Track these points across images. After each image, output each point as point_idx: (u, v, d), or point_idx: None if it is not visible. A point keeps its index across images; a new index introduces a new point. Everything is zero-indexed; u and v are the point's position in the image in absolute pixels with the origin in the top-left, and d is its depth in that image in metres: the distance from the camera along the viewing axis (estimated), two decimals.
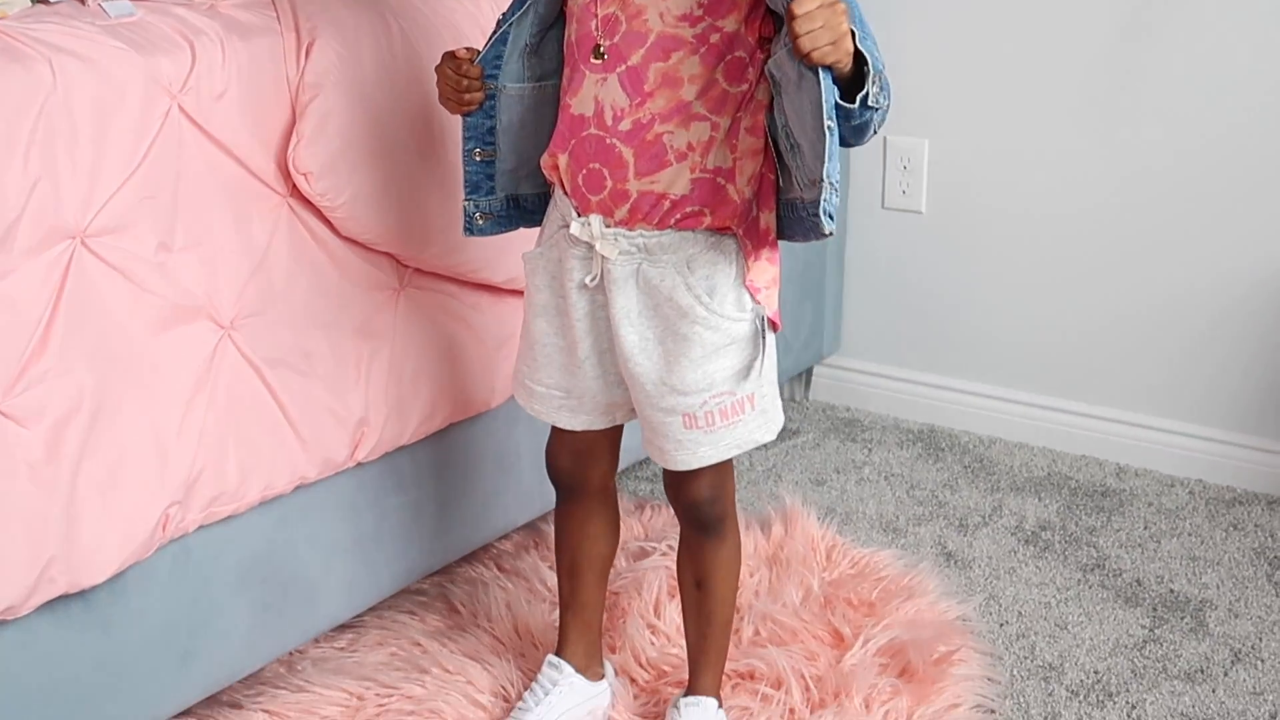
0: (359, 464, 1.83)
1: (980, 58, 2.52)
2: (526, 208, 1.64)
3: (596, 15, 1.45)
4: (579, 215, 1.51)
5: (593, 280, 1.52)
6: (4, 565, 1.42)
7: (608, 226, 1.49)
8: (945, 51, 2.54)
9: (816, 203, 1.36)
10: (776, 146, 1.46)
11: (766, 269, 1.52)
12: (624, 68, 1.44)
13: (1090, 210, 2.49)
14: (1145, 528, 2.34)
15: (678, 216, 1.47)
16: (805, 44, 1.26)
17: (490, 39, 1.55)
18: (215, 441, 1.62)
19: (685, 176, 1.46)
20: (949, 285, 2.69)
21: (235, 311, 1.65)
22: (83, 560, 1.48)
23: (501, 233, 1.66)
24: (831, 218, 1.37)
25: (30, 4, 1.58)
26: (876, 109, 1.34)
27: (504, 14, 1.55)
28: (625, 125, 1.45)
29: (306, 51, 1.71)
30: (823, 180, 1.34)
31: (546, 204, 1.62)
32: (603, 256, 1.49)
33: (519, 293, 1.97)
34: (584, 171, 1.49)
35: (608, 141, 1.46)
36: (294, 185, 1.71)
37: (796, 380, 2.92)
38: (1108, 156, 2.44)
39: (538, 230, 1.63)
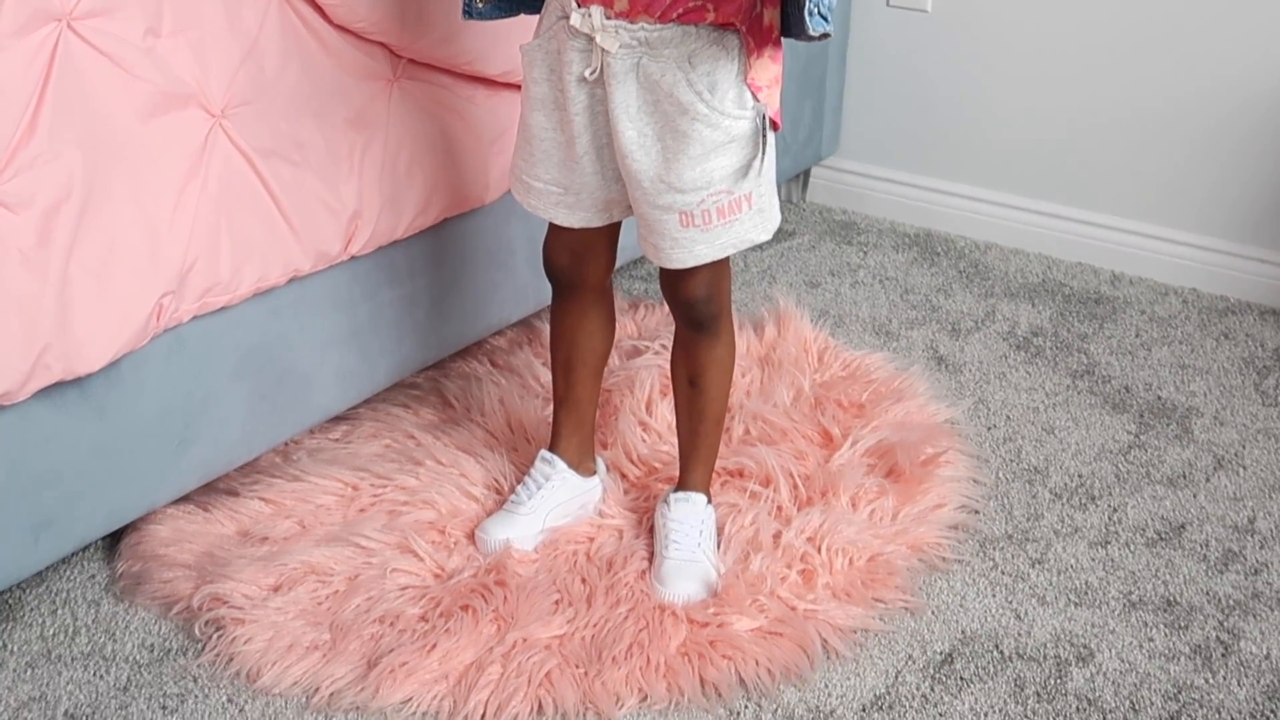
0: (353, 257, 1.82)
1: None
2: None
3: None
4: (579, 6, 1.47)
5: (592, 74, 1.49)
6: None
7: (608, 19, 1.45)
8: None
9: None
10: None
11: (769, 67, 1.49)
12: None
13: (1095, 13, 2.44)
14: (1136, 335, 2.35)
15: (680, 10, 1.44)
16: None
17: None
18: (208, 231, 1.61)
19: None
20: (951, 87, 2.65)
21: (226, 100, 1.62)
22: (78, 347, 1.48)
23: (500, 18, 1.62)
24: (825, 19, 1.35)
25: None
26: None
27: None
28: None
29: None
30: None
31: None
32: (603, 49, 1.46)
33: (515, 86, 1.94)
34: None
35: None
36: None
37: (794, 181, 2.90)
38: None
39: (535, 20, 1.59)
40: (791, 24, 1.47)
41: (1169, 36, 2.38)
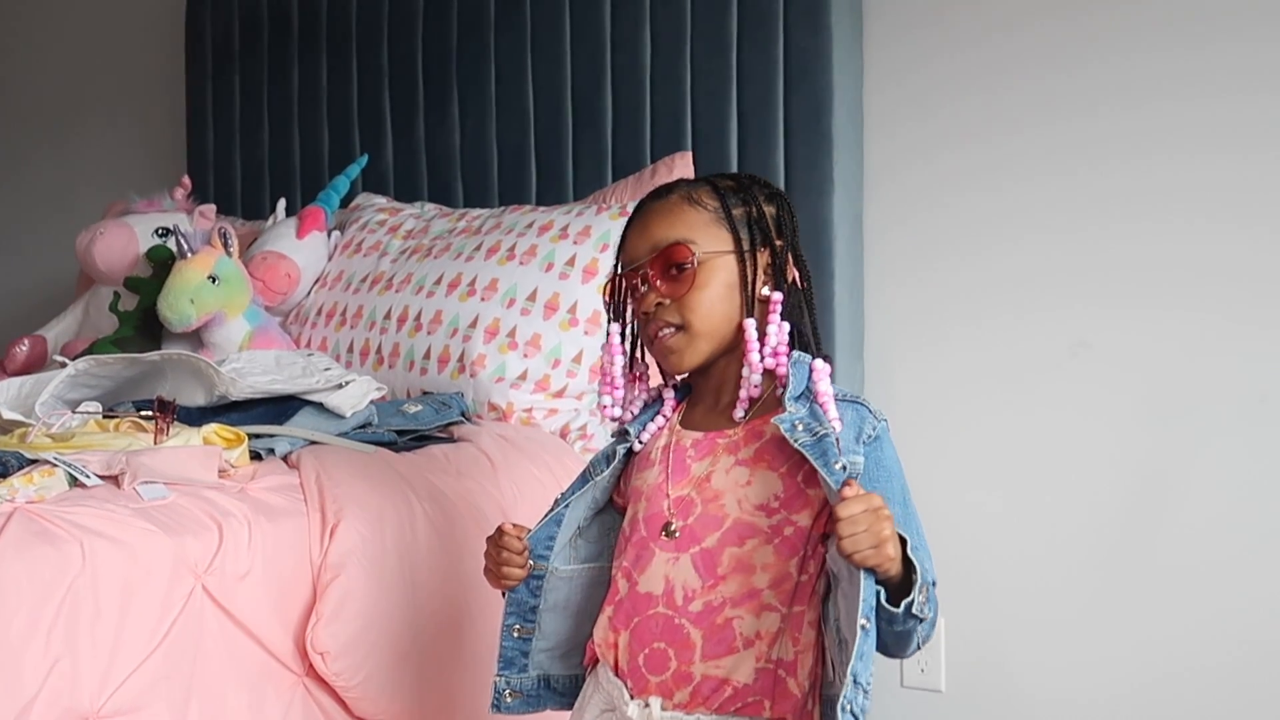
0: None
1: (995, 533, 2.55)
2: (557, 689, 1.59)
3: (669, 495, 1.46)
4: (633, 697, 1.45)
5: None
6: None
7: (663, 709, 1.43)
8: (960, 526, 2.58)
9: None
10: (824, 640, 1.44)
11: None
12: (698, 549, 1.43)
13: (1113, 693, 2.45)
14: None
15: (738, 705, 1.42)
16: (847, 546, 1.29)
17: (544, 518, 1.54)
18: None
19: (750, 665, 1.42)
20: None
21: None
22: None
23: (528, 713, 1.59)
24: (856, 718, 1.34)
25: (68, 488, 1.63)
26: (921, 619, 1.36)
27: (561, 494, 1.57)
28: (696, 606, 1.43)
29: (331, 533, 1.75)
30: (848, 678, 1.32)
31: (576, 686, 1.57)
32: None
33: None
34: (646, 651, 1.44)
35: (676, 621, 1.43)
36: (310, 664, 1.70)
37: None
38: (1136, 633, 2.42)
39: (567, 715, 1.58)
40: None
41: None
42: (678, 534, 1.44)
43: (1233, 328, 2.28)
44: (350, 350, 2.53)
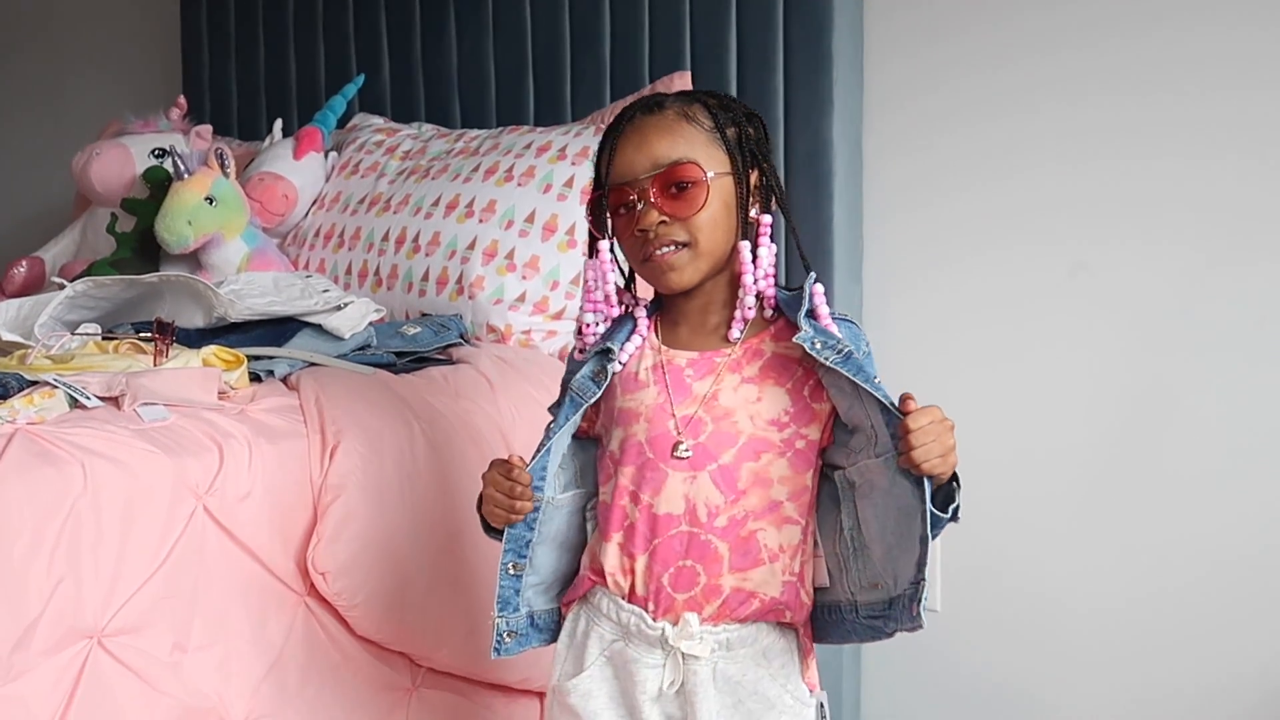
0: None
1: (992, 455, 2.57)
2: (539, 625, 1.57)
3: (674, 415, 1.46)
4: (654, 620, 1.45)
5: (671, 686, 1.45)
6: None
7: (701, 624, 1.45)
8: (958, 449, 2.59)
9: (865, 605, 1.44)
10: (827, 548, 1.49)
11: (814, 668, 1.51)
12: (715, 465, 1.44)
13: (1107, 614, 2.47)
14: None
15: (762, 613, 1.46)
16: (919, 455, 1.33)
17: (541, 449, 1.50)
18: None
19: (778, 579, 1.45)
20: (970, 687, 2.64)
21: (247, 713, 1.63)
22: None
23: (520, 652, 1.56)
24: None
25: (68, 409, 1.64)
26: (956, 521, 1.40)
27: (554, 422, 1.51)
28: (721, 521, 1.44)
29: (331, 454, 1.76)
30: (921, 580, 1.38)
31: (555, 623, 1.56)
32: (690, 658, 1.44)
33: (532, 693, 1.94)
34: (672, 570, 1.45)
35: (703, 538, 1.44)
36: (311, 584, 1.72)
37: None
38: (1124, 554, 2.45)
39: (554, 650, 1.55)
40: (822, 628, 1.50)
41: (1189, 633, 2.41)
42: (690, 453, 1.44)
43: (1231, 255, 2.28)
44: (348, 272, 2.53)
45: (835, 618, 1.49)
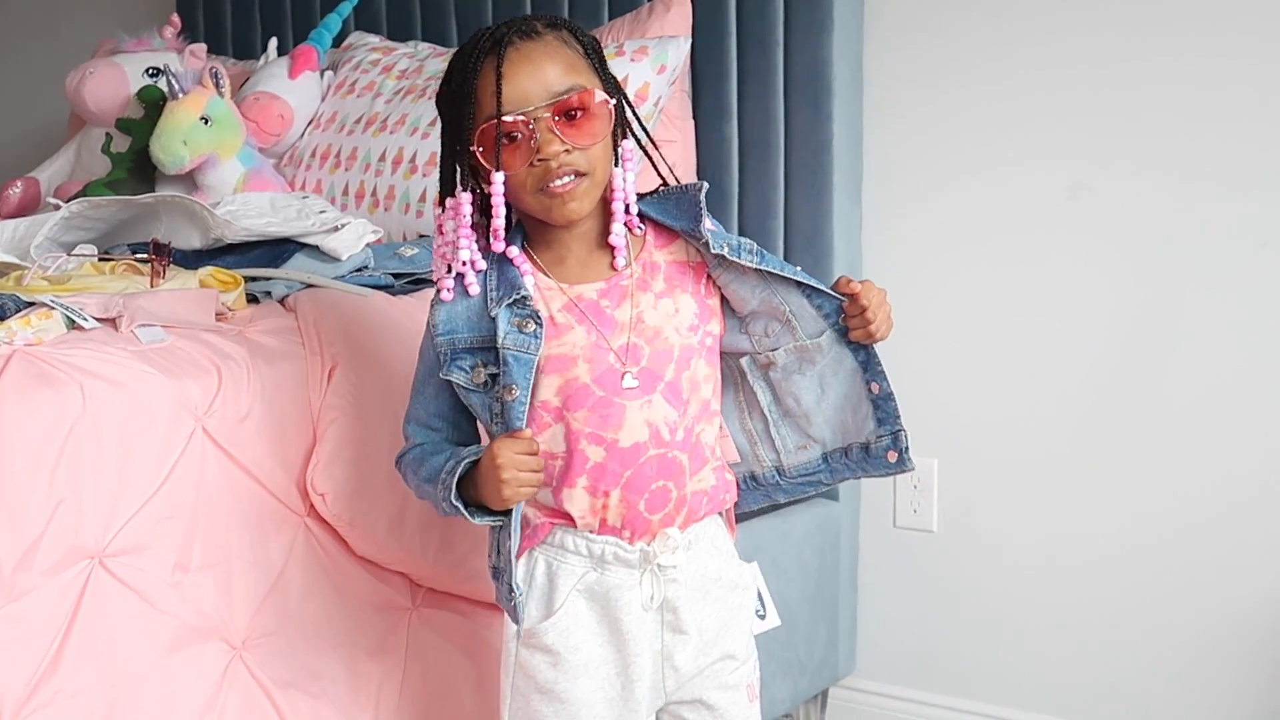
0: None
1: (988, 378, 2.57)
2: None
3: (611, 349, 1.46)
4: (631, 543, 1.47)
5: (653, 601, 1.48)
6: None
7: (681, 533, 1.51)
8: (954, 371, 2.60)
9: (794, 467, 1.59)
10: (733, 427, 1.60)
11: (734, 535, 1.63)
12: (663, 384, 1.47)
13: (1101, 535, 2.49)
14: None
15: (711, 508, 1.53)
16: (876, 328, 1.48)
17: (504, 416, 1.45)
18: None
19: (710, 468, 1.52)
20: (962, 606, 2.66)
21: (248, 631, 1.64)
22: None
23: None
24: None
25: (66, 330, 1.64)
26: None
27: (517, 384, 1.43)
28: (679, 435, 1.48)
29: (329, 376, 1.76)
30: (900, 430, 1.52)
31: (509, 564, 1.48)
32: (668, 568, 1.47)
33: None
34: (646, 495, 1.46)
35: (669, 455, 1.47)
36: (311, 505, 1.73)
37: (812, 703, 2.86)
38: (1119, 477, 2.46)
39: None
40: (742, 498, 1.62)
41: (1185, 556, 2.42)
42: (637, 381, 1.46)
43: (1233, 172, 2.27)
44: (345, 193, 2.51)
45: (751, 485, 1.61)
